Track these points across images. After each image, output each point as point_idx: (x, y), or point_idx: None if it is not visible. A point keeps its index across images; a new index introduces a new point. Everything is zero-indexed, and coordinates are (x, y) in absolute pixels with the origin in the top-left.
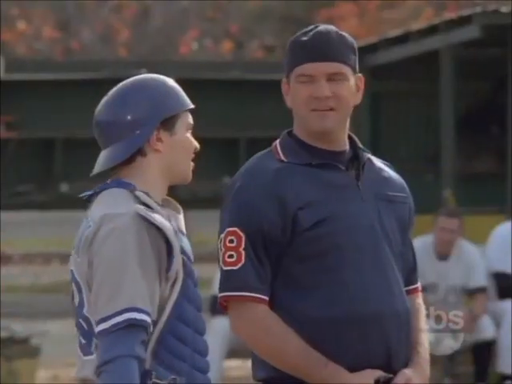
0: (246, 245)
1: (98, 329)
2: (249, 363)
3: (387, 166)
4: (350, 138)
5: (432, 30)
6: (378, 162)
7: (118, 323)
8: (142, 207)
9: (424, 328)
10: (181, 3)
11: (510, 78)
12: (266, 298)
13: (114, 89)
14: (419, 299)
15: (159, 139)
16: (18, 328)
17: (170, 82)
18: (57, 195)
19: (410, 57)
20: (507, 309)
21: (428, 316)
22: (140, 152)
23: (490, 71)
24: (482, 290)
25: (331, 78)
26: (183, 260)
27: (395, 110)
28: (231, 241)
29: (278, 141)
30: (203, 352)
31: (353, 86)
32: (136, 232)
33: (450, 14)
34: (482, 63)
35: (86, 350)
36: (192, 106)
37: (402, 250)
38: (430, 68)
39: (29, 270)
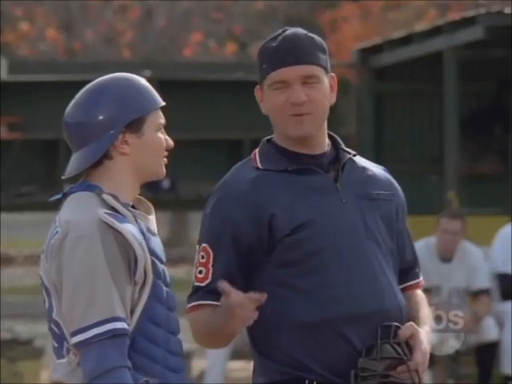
0: (213, 262)
1: (75, 339)
2: (252, 365)
3: (375, 165)
4: (331, 138)
5: (436, 31)
6: (362, 162)
7: (99, 334)
8: (104, 212)
9: (427, 317)
10: (184, 4)
11: None
12: None
13: (82, 90)
14: (419, 292)
15: (125, 142)
16: (22, 329)
17: (139, 81)
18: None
19: (414, 58)
20: (510, 310)
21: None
22: (106, 155)
23: (494, 72)
24: (485, 292)
25: (305, 81)
26: (152, 261)
27: (399, 110)
28: (203, 257)
29: (257, 149)
30: (176, 352)
31: (327, 86)
32: (103, 238)
33: (453, 15)
34: (485, 64)
35: (58, 354)
36: (163, 104)
37: (392, 248)
38: (434, 69)
39: (32, 271)
